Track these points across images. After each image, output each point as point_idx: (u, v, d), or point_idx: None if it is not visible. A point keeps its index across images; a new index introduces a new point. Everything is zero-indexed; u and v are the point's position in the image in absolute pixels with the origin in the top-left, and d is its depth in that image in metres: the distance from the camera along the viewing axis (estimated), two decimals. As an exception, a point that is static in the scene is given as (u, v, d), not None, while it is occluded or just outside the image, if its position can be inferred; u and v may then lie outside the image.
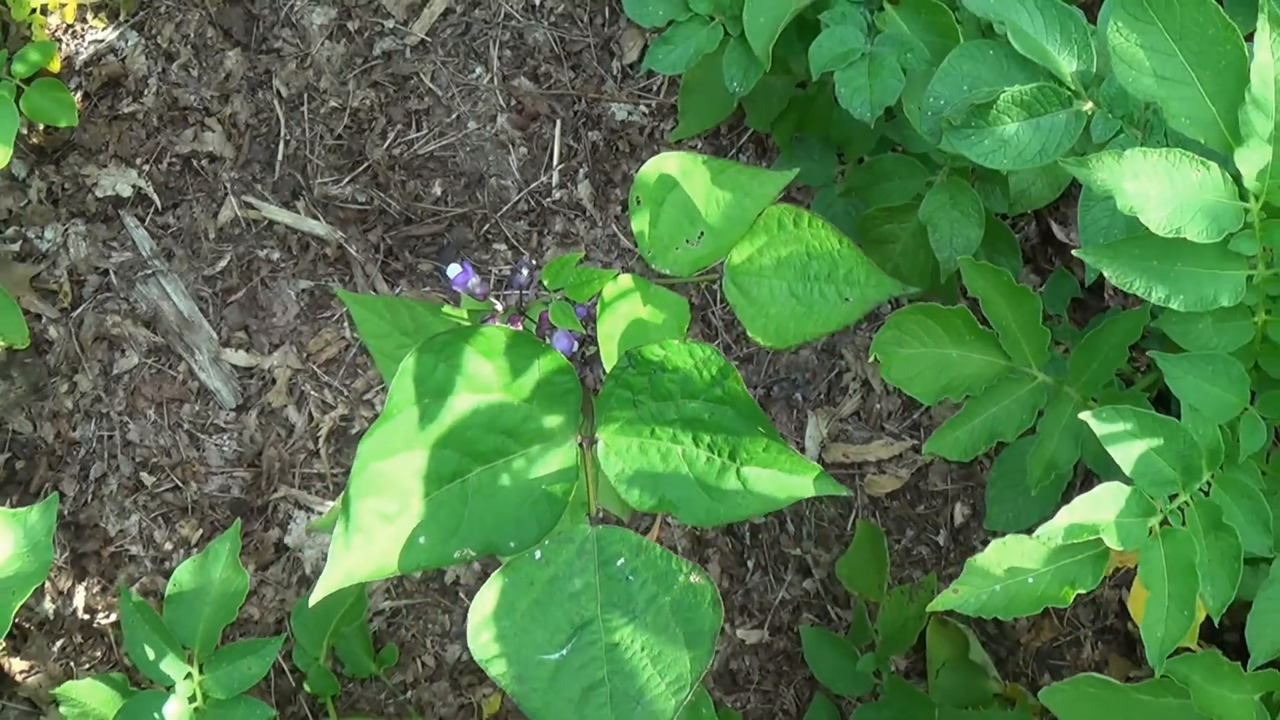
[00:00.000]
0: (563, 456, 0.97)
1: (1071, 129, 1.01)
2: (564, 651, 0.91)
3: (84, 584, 1.84)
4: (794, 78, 1.57)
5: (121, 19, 2.00)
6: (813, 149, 1.65)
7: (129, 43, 1.99)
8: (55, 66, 1.96)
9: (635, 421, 0.97)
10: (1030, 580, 0.94)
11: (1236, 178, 0.92)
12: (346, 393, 1.86)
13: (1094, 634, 1.83)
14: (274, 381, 1.87)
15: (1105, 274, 0.95)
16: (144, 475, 1.85)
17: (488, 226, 1.91)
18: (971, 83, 1.06)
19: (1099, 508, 0.91)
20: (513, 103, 1.92)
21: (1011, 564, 0.94)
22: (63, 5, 2.00)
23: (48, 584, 1.84)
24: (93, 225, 1.93)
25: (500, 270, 1.89)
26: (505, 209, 1.91)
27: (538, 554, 0.93)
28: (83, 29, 2.00)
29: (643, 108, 1.91)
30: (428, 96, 1.93)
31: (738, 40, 1.41)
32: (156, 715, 1.35)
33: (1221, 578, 0.94)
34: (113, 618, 1.83)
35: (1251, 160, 0.90)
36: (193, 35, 1.98)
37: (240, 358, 1.88)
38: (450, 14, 1.94)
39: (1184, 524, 0.94)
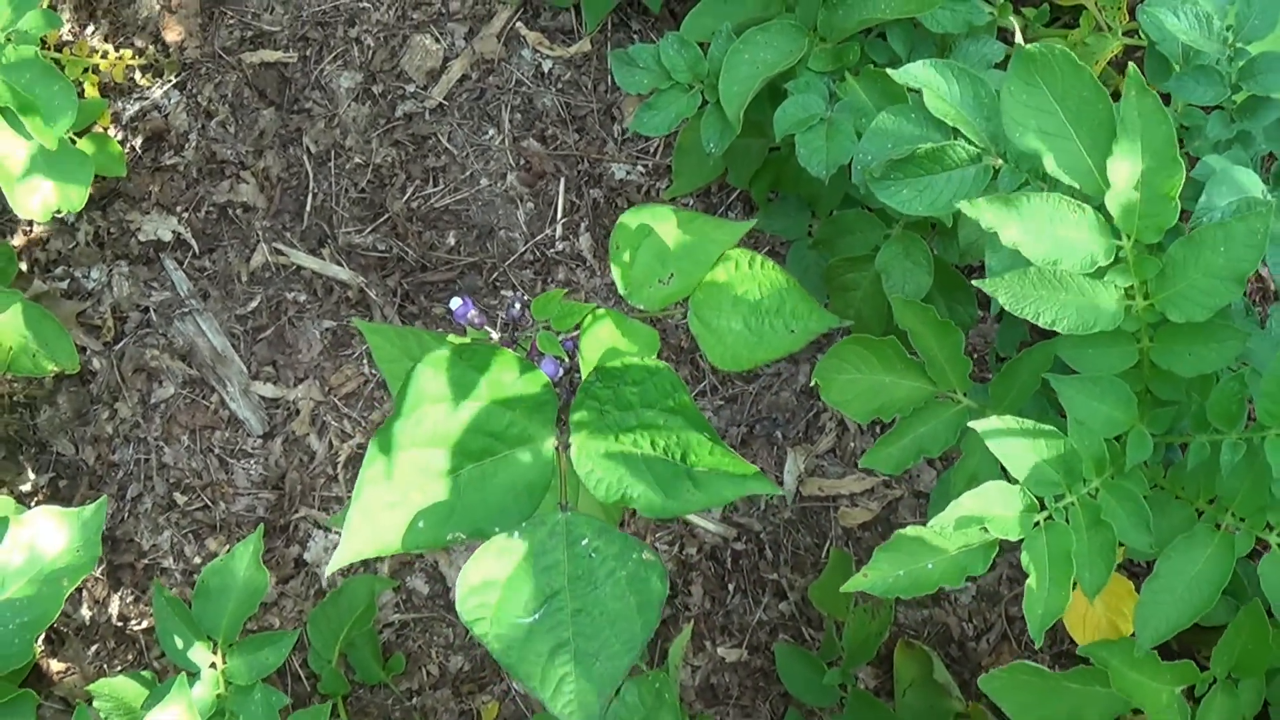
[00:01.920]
0: (541, 457, 1.16)
1: (980, 181, 1.20)
2: (536, 616, 1.10)
3: (119, 594, 2.04)
4: (769, 140, 1.77)
5: (166, 79, 2.22)
6: (789, 206, 1.85)
7: (172, 101, 2.21)
8: (105, 121, 2.18)
9: (602, 428, 1.16)
10: (930, 566, 1.12)
11: (1108, 218, 1.11)
12: (364, 424, 2.06)
13: (1051, 658, 2.00)
14: (298, 412, 2.07)
15: (1000, 300, 1.13)
16: (177, 495, 2.05)
17: (497, 274, 2.11)
18: (895, 141, 1.26)
19: (986, 503, 1.09)
20: (521, 162, 2.13)
21: (909, 556, 1.12)
22: (113, 66, 2.22)
23: (85, 592, 2.04)
24: (135, 267, 2.14)
25: (507, 314, 2.08)
26: (513, 259, 2.11)
27: (517, 535, 1.12)
28: (130, 88, 2.22)
29: (640, 168, 2.12)
30: (444, 155, 2.14)
31: (714, 106, 1.62)
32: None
33: (1098, 565, 1.12)
34: (144, 625, 2.02)
35: (1123, 202, 1.09)
36: (230, 95, 2.20)
37: (268, 390, 2.08)
38: (466, 80, 2.15)
39: (1068, 520, 1.12)
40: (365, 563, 2.01)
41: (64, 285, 2.14)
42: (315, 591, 2.01)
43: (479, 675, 2.00)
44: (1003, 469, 1.11)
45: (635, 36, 2.13)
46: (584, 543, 1.12)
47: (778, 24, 1.63)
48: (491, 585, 1.11)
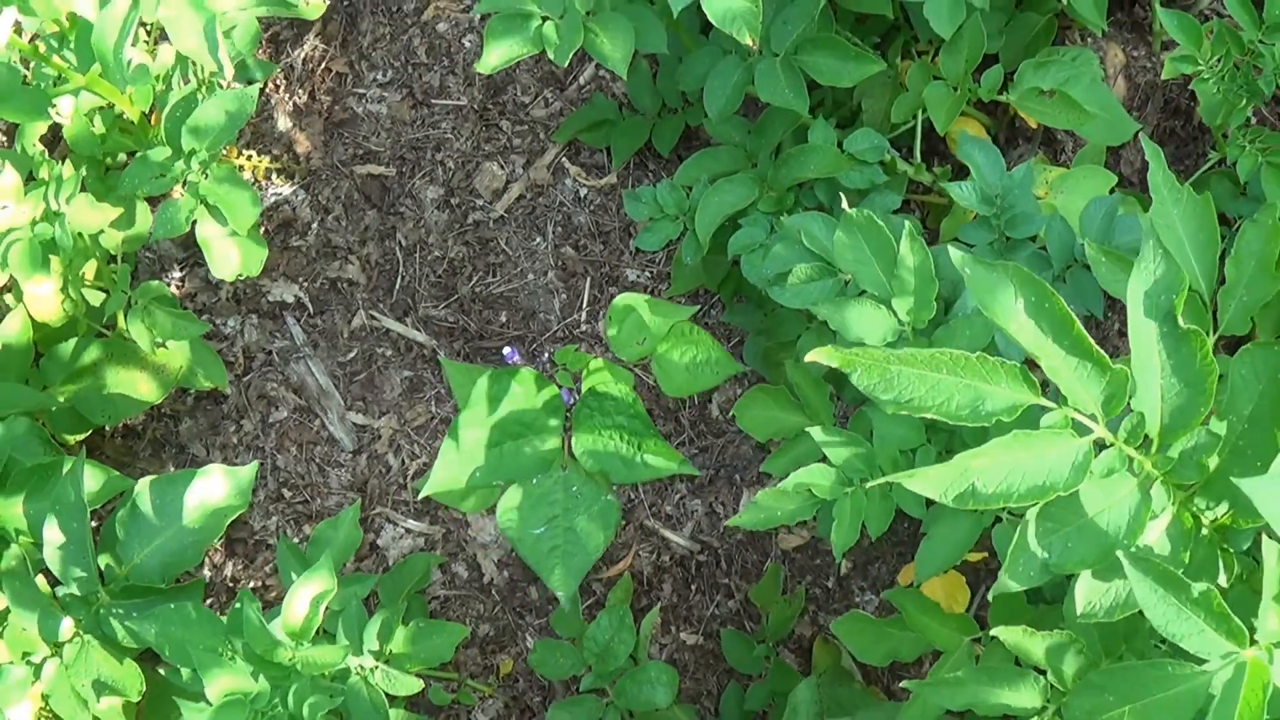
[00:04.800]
0: (553, 440, 2.02)
1: (836, 289, 2.06)
2: (542, 530, 1.96)
3: (232, 560, 2.90)
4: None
5: (295, 180, 3.12)
6: (748, 306, 2.72)
7: (299, 198, 3.11)
8: (250, 212, 3.08)
9: (591, 426, 2.02)
10: (778, 513, 1.96)
11: (895, 313, 1.96)
12: (429, 449, 2.93)
13: (931, 656, 2.82)
14: (380, 436, 2.94)
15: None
16: (284, 491, 2.92)
17: (535, 346, 2.98)
18: (784, 261, 2.12)
19: (813, 476, 1.93)
20: (559, 263, 3.02)
21: (770, 505, 1.97)
22: (255, 168, 3.13)
23: (207, 559, 2.90)
24: (263, 320, 3.03)
25: (541, 364, 2.96)
26: (547, 335, 2.98)
27: (535, 481, 1.98)
28: (267, 185, 3.12)
29: (647, 273, 3.00)
30: (502, 255, 3.03)
31: (691, 232, 2.50)
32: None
33: (881, 521, 1.95)
34: (250, 585, 2.88)
35: (902, 304, 1.94)
36: (343, 197, 3.10)
37: (358, 418, 2.95)
38: (522, 199, 3.05)
39: (865, 494, 1.97)
40: (423, 545, 2.87)
41: (207, 330, 3.02)
42: (383, 569, 2.86)
43: (500, 639, 2.84)
44: (825, 458, 1.96)
45: (650, 174, 3.02)
46: (574, 489, 1.98)
47: (740, 176, 2.52)
48: (518, 508, 1.97)
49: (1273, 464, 1.33)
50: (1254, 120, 3.00)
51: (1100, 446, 1.42)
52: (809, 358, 1.43)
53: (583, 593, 2.83)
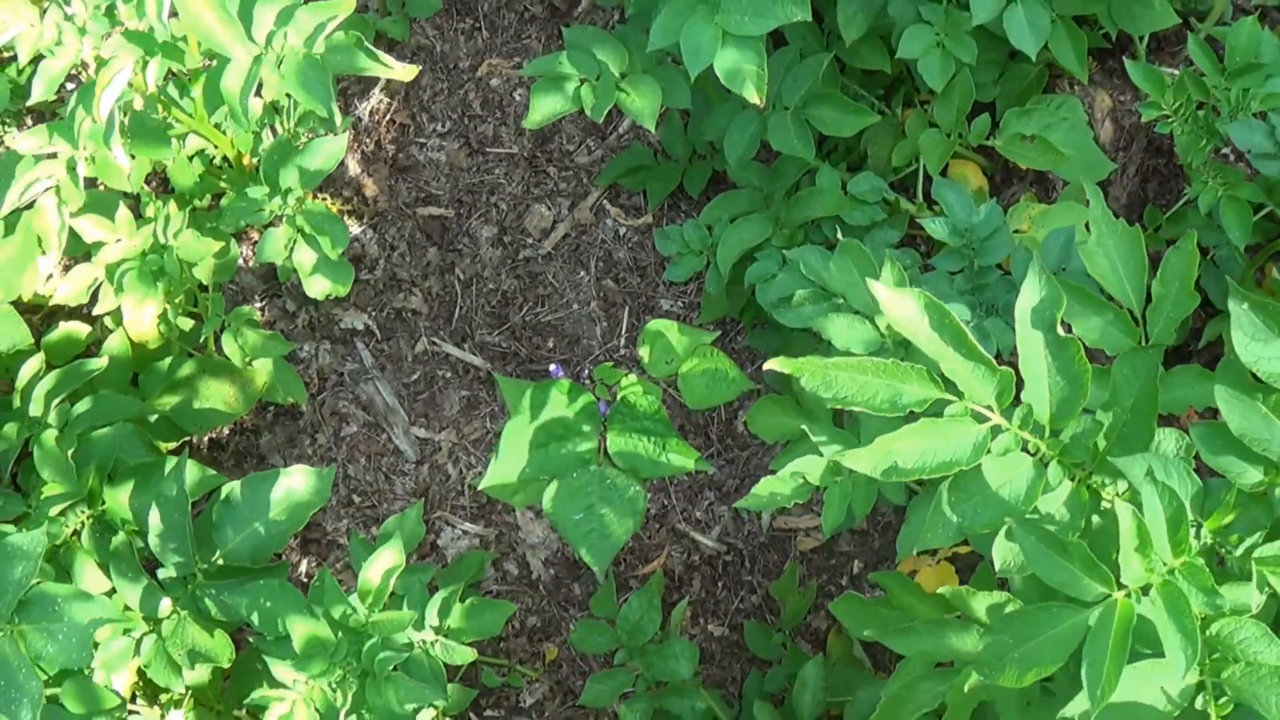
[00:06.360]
0: (588, 441, 2.43)
1: (831, 309, 2.46)
2: (580, 516, 2.37)
3: (308, 559, 3.32)
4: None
5: (364, 221, 3.56)
6: (768, 330, 3.12)
7: (367, 237, 3.54)
8: (324, 248, 3.51)
9: (622, 428, 2.43)
10: (779, 498, 2.36)
11: (878, 327, 2.35)
12: (484, 460, 3.34)
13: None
14: (440, 449, 3.36)
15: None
16: (354, 497, 3.35)
17: (579, 368, 3.39)
18: (787, 287, 2.52)
19: (806, 466, 2.33)
20: (601, 295, 3.43)
21: (770, 490, 2.36)
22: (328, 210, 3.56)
23: (283, 556, 3.32)
24: (335, 345, 3.46)
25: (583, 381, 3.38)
26: (590, 358, 3.40)
27: (574, 476, 2.39)
28: (338, 226, 3.55)
29: (680, 302, 3.41)
30: (549, 287, 3.45)
31: (714, 265, 2.91)
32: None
33: (865, 504, 2.33)
34: (328, 582, 3.29)
35: (883, 319, 2.34)
36: (407, 236, 3.53)
37: (421, 433, 3.38)
38: (568, 237, 3.47)
39: (851, 481, 2.36)
40: (479, 545, 3.29)
41: (293, 349, 3.46)
42: (442, 566, 3.28)
43: (546, 629, 3.25)
44: (820, 454, 2.36)
45: (683, 214, 3.43)
46: (607, 481, 2.38)
47: (757, 215, 2.93)
48: (559, 498, 2.38)
49: (1150, 445, 1.73)
50: (1232, 158, 3.38)
51: (998, 432, 1.81)
52: (767, 366, 1.83)
53: (620, 588, 3.23)
